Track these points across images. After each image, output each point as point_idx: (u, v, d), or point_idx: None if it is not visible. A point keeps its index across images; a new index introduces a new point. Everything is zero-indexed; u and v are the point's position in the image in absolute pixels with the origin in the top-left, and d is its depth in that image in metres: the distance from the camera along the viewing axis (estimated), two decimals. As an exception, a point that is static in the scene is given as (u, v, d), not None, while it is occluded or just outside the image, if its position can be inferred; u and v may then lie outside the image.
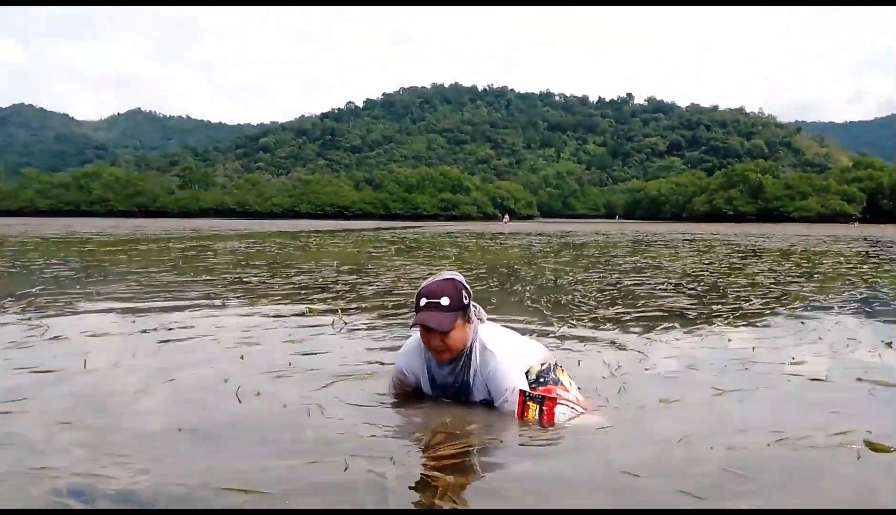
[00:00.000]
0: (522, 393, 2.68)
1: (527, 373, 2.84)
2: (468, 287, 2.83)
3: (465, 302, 2.76)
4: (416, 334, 2.95)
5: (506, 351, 2.82)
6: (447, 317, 2.69)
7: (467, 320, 2.79)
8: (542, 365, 2.91)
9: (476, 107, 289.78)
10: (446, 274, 2.83)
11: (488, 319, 2.98)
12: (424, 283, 2.81)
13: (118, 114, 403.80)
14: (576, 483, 2.19)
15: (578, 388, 2.97)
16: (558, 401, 2.64)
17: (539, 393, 2.67)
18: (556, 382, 2.84)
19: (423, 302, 2.72)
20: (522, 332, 4.85)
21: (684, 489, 2.09)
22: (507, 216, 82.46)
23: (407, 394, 3.07)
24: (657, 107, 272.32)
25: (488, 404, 2.82)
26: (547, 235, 30.97)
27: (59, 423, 2.70)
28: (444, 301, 2.70)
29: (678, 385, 3.49)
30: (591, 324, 5.40)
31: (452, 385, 2.89)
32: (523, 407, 2.65)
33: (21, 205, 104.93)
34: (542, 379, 2.83)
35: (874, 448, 2.47)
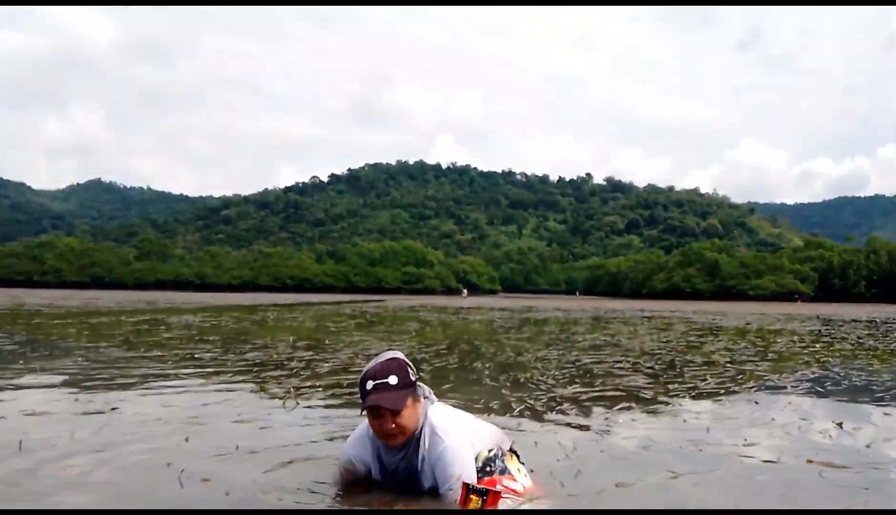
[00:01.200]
0: (465, 485, 2.54)
1: (476, 458, 2.74)
2: (412, 365, 2.77)
3: (413, 379, 2.69)
4: (363, 422, 2.84)
5: (455, 435, 2.70)
6: (398, 396, 2.60)
7: (416, 399, 2.70)
8: (490, 451, 2.81)
9: (440, 184, 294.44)
10: (388, 354, 2.74)
11: (442, 399, 2.92)
12: (367, 367, 2.71)
13: (77, 183, 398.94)
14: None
15: (530, 472, 2.92)
16: (502, 495, 2.55)
17: (483, 487, 2.55)
18: (504, 471, 2.75)
19: (370, 384, 2.62)
20: (480, 413, 4.81)
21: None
22: (465, 291, 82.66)
23: (356, 481, 2.93)
24: (615, 187, 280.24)
25: (436, 491, 2.68)
26: (509, 310, 31.07)
27: (-17, 512, 2.54)
28: (392, 379, 2.61)
29: (634, 467, 3.46)
30: (549, 404, 5.37)
31: (403, 470, 2.76)
32: (465, 499, 2.52)
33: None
34: (488, 468, 2.73)
35: (824, 534, 2.46)
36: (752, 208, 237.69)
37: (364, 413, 2.68)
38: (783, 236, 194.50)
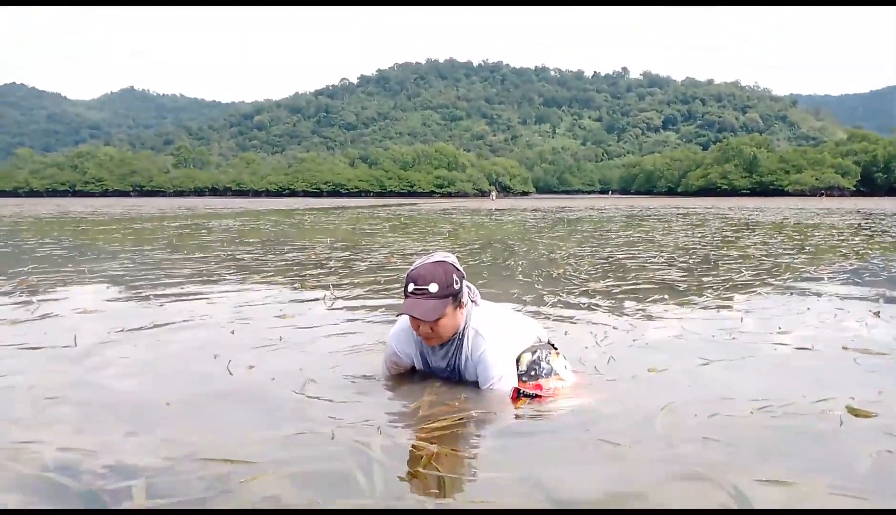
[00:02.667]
0: (516, 390, 2.60)
1: (518, 361, 2.74)
2: (460, 269, 2.68)
3: (456, 287, 2.60)
4: (404, 317, 2.84)
5: (498, 338, 2.68)
6: (435, 305, 2.53)
7: (459, 305, 2.64)
8: (534, 353, 2.76)
9: (471, 83, 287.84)
10: (438, 256, 2.66)
11: (482, 296, 2.88)
12: (414, 265, 2.65)
13: (111, 92, 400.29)
14: (558, 452, 2.20)
15: (571, 369, 2.93)
16: (548, 400, 2.63)
17: (532, 391, 2.62)
18: (550, 373, 2.73)
19: (411, 288, 2.58)
20: (516, 303, 4.88)
21: (665, 457, 2.11)
22: (494, 192, 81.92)
23: (400, 374, 2.98)
24: (652, 82, 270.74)
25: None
26: (542, 211, 30.95)
27: (47, 399, 2.71)
28: (433, 287, 2.54)
29: (666, 355, 3.50)
30: (581, 297, 5.42)
31: (445, 368, 2.80)
32: (516, 400, 2.60)
33: (15, 186, 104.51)
34: (532, 372, 2.71)
35: (856, 414, 2.50)
36: (794, 101, 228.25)
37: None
38: (826, 129, 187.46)
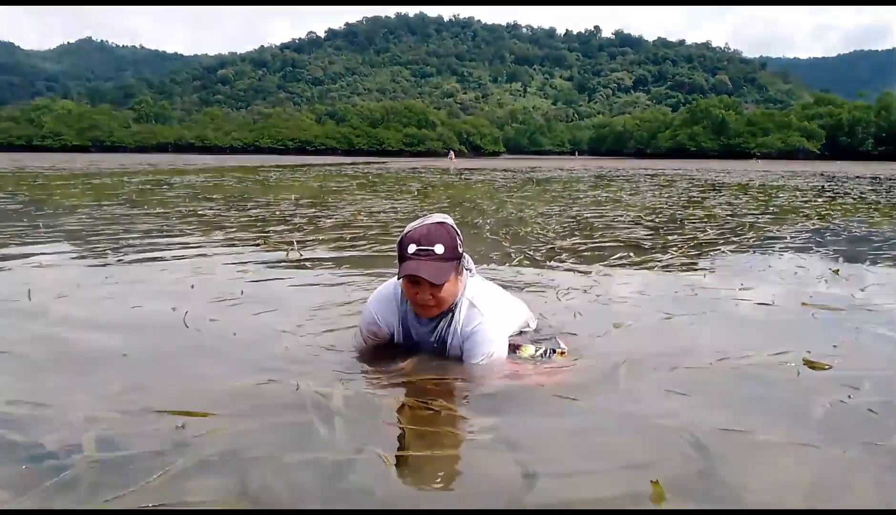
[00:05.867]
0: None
1: (518, 351, 2.58)
2: (460, 233, 2.43)
3: (460, 250, 2.38)
4: (390, 281, 2.61)
5: (493, 312, 2.49)
6: (443, 268, 2.28)
7: (460, 272, 2.42)
8: (538, 350, 2.58)
9: (441, 39, 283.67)
10: (436, 217, 2.39)
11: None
12: (412, 226, 2.37)
13: (67, 43, 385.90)
14: (524, 403, 2.21)
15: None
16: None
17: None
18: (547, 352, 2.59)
19: (413, 249, 2.28)
20: (480, 263, 4.87)
21: (626, 410, 2.12)
22: (451, 153, 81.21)
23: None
24: (624, 41, 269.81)
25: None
26: (511, 171, 30.90)
27: (-3, 352, 2.62)
28: (439, 249, 2.28)
29: (630, 310, 3.53)
30: (548, 254, 5.42)
31: (430, 342, 2.54)
32: None
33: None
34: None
35: (812, 366, 2.54)
36: (763, 63, 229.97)
37: (400, 279, 2.37)
38: (794, 93, 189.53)
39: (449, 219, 2.41)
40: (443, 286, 2.31)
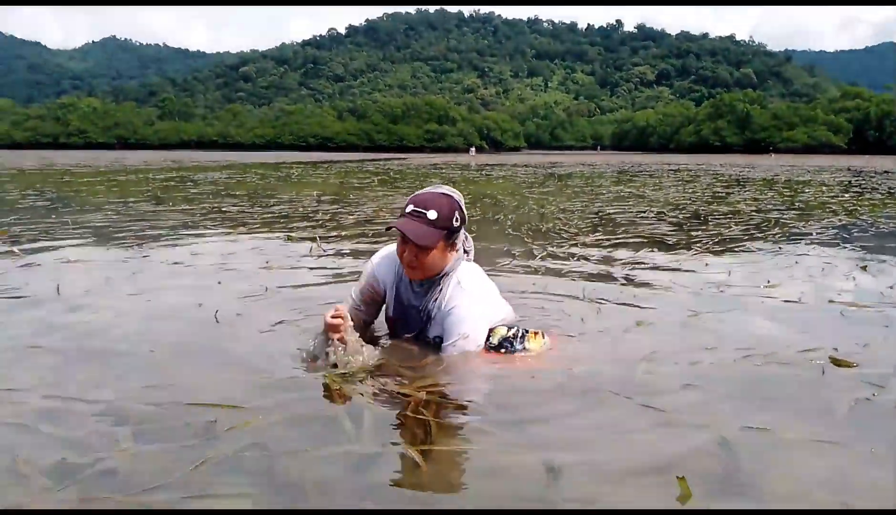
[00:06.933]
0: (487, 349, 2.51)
1: (490, 334, 2.57)
2: (464, 210, 2.53)
3: (455, 224, 2.46)
4: (393, 245, 2.67)
5: (477, 298, 2.54)
6: (429, 232, 2.39)
7: (451, 246, 2.50)
8: (510, 330, 2.58)
9: (462, 35, 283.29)
10: (444, 189, 2.51)
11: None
12: (419, 191, 2.52)
13: (92, 42, 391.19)
14: (544, 395, 2.22)
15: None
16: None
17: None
18: (522, 352, 2.55)
19: (409, 208, 2.44)
20: (503, 258, 4.89)
21: (648, 404, 2.12)
22: (473, 149, 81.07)
23: (372, 319, 2.81)
24: (647, 35, 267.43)
25: (439, 343, 2.54)
26: (533, 166, 30.81)
27: (29, 347, 2.69)
28: (432, 214, 2.39)
29: (654, 307, 3.51)
30: (570, 250, 5.41)
31: (416, 308, 2.59)
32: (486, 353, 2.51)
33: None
34: (503, 347, 2.53)
35: (838, 363, 2.52)
36: (788, 56, 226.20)
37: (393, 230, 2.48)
38: (820, 86, 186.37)
39: (456, 194, 2.51)
40: (428, 251, 2.40)
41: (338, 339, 2.38)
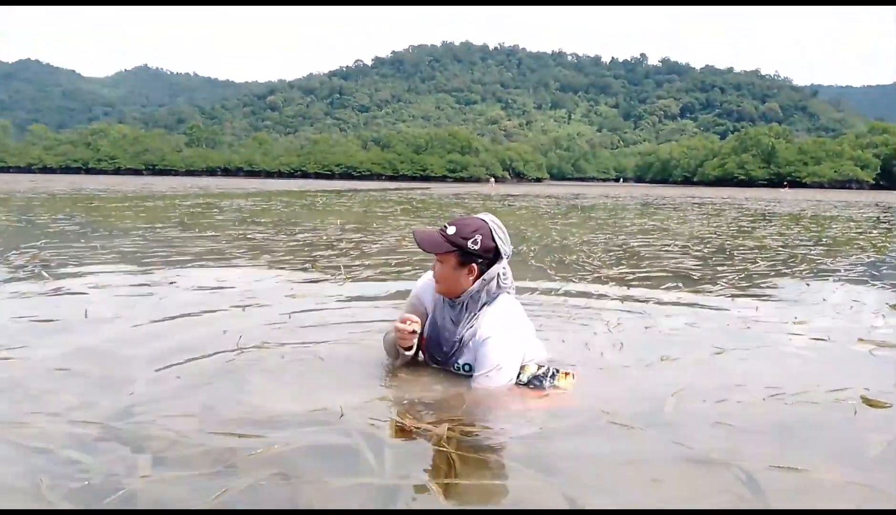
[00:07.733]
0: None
1: (520, 370, 2.58)
2: (497, 240, 2.53)
3: (472, 246, 2.48)
4: None
5: (513, 330, 2.57)
6: (437, 241, 2.50)
7: (468, 265, 2.51)
8: (541, 368, 2.59)
9: (486, 67, 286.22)
10: (484, 215, 2.60)
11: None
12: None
13: (125, 70, 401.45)
14: (569, 431, 2.19)
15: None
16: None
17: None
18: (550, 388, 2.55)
19: (443, 225, 2.57)
20: (525, 291, 4.87)
21: (676, 441, 2.08)
22: (492, 179, 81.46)
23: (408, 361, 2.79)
24: (671, 69, 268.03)
25: (469, 372, 2.59)
26: (555, 197, 30.82)
27: (58, 370, 2.72)
28: (451, 229, 2.50)
29: (679, 343, 3.46)
30: (593, 283, 5.38)
31: (449, 331, 2.62)
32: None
33: (29, 162, 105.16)
34: (532, 384, 2.53)
35: (871, 404, 2.46)
36: (814, 91, 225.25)
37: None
38: (846, 121, 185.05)
39: (492, 221, 2.57)
40: (442, 262, 2.52)
41: (405, 348, 2.61)
